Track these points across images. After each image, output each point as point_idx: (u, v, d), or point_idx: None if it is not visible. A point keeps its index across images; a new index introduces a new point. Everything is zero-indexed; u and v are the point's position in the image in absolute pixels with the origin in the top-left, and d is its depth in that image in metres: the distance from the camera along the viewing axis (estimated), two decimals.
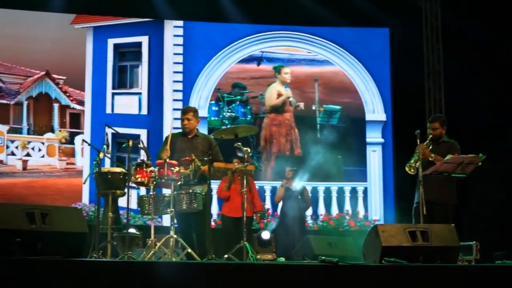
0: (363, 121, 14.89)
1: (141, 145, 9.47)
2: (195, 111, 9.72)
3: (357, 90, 14.98)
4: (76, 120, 14.57)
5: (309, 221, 14.15)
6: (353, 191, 14.70)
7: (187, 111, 9.66)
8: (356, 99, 14.98)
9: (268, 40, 15.04)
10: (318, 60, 15.14)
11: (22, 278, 5.64)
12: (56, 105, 14.56)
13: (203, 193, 9.03)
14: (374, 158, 14.80)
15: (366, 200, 14.69)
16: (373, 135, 14.86)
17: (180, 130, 9.75)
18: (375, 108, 14.94)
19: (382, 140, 14.80)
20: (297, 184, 12.69)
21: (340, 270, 6.37)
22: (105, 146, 9.23)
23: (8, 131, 14.20)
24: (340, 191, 14.68)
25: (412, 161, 9.31)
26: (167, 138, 9.51)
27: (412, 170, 9.30)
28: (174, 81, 14.58)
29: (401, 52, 14.43)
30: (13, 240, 6.08)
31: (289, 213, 12.49)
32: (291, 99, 14.91)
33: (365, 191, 14.69)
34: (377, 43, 15.05)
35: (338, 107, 14.95)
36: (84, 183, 13.20)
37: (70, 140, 14.46)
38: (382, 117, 14.87)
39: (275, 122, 14.84)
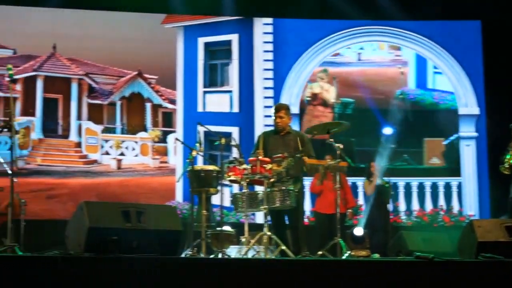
0: None
1: (233, 143, 9.51)
2: (287, 108, 9.70)
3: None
4: (168, 119, 14.72)
5: (403, 216, 13.99)
6: (447, 186, 14.46)
7: (279, 108, 9.64)
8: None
9: (357, 35, 14.90)
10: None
11: (119, 276, 5.71)
12: (148, 105, 14.75)
13: (296, 190, 9.00)
14: (468, 153, 14.52)
15: (461, 195, 14.44)
16: (467, 129, 14.57)
17: (272, 128, 9.75)
18: (467, 102, 14.65)
19: (475, 134, 14.51)
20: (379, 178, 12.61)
21: (435, 266, 6.26)
22: (197, 144, 9.30)
23: (102, 131, 14.44)
24: (434, 187, 14.46)
25: (506, 159, 9.09)
26: (259, 138, 9.53)
27: (507, 171, 9.08)
28: (265, 79, 14.58)
29: (494, 45, 14.10)
30: (109, 238, 6.15)
31: (376, 208, 12.40)
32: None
33: (459, 186, 14.43)
34: (469, 36, 14.74)
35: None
36: (177, 181, 13.39)
37: (163, 139, 14.61)
38: (475, 110, 14.57)
39: None
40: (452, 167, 14.52)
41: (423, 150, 14.61)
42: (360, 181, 13.92)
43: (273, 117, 9.59)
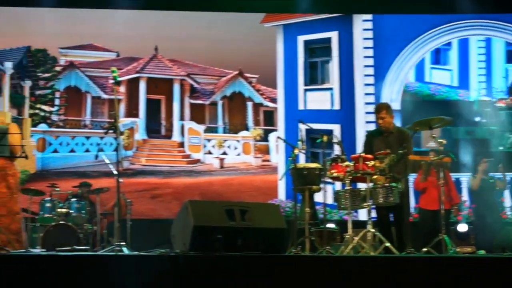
0: None
1: (335, 140, 9.46)
2: (387, 107, 9.58)
3: None
4: (269, 118, 14.75)
5: (508, 212, 13.67)
6: None
7: (380, 109, 9.54)
8: None
9: (460, 29, 14.61)
10: None
11: (224, 274, 5.74)
12: (249, 104, 14.82)
13: (400, 187, 8.89)
14: None
15: None
16: None
17: (376, 127, 9.67)
18: None
19: None
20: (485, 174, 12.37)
21: None
22: (299, 142, 9.29)
23: (205, 131, 14.60)
24: None
25: None
26: (365, 139, 9.53)
27: None
28: (365, 75, 14.45)
29: None
30: (214, 237, 6.19)
31: (486, 204, 12.16)
32: None
33: None
34: None
35: None
36: (280, 179, 13.39)
37: (265, 138, 14.66)
38: None
39: None
40: None
41: None
42: (464, 177, 13.66)
43: (375, 118, 9.52)
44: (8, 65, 14.04)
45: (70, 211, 10.87)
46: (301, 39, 14.69)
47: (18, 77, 14.17)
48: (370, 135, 9.67)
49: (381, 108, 9.52)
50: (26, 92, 14.13)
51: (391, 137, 9.35)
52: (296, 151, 9.19)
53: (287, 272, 5.86)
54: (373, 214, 8.97)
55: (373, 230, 8.64)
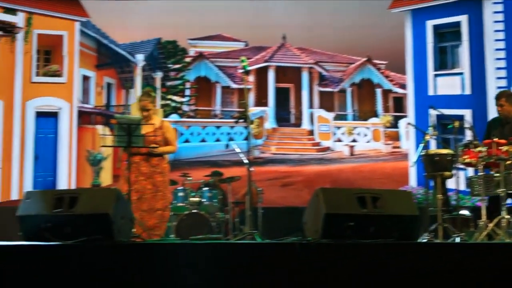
0: None
1: (467, 125, 9.27)
2: (507, 95, 9.33)
3: None
4: (399, 104, 14.61)
5: None
6: None
7: (499, 96, 9.32)
8: None
9: None
10: None
11: (356, 261, 5.72)
12: (378, 90, 14.72)
13: None
14: None
15: None
16: None
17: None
18: None
19: None
20: None
21: None
22: (430, 128, 9.16)
23: (334, 118, 14.58)
24: None
25: None
26: (487, 125, 9.30)
27: None
28: (496, 59, 14.08)
29: None
30: (346, 224, 6.18)
31: None
32: None
33: None
34: None
35: None
36: (411, 166, 13.22)
37: (394, 124, 14.53)
38: None
39: None
40: None
41: None
42: None
43: (495, 104, 9.30)
44: (140, 57, 14.41)
45: (202, 200, 11.04)
46: (430, 23, 14.46)
47: (149, 69, 14.52)
48: (489, 122, 9.46)
49: (501, 96, 9.30)
50: (157, 83, 14.47)
51: (508, 127, 9.11)
52: (427, 137, 9.07)
53: (420, 259, 5.80)
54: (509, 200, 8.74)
55: (508, 217, 8.42)
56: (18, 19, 13.84)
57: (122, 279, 5.16)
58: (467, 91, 14.23)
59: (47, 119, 13.92)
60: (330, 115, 14.55)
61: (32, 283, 5.08)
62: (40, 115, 13.89)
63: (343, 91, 14.69)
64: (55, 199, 5.95)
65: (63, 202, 5.91)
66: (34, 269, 5.13)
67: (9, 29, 13.70)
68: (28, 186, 13.39)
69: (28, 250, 5.32)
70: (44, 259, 5.19)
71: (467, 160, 8.75)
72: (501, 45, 14.08)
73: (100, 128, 13.99)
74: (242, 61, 8.70)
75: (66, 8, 14.13)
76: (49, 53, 14.15)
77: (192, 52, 14.69)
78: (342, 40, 14.58)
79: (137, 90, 14.25)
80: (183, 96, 14.59)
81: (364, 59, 14.61)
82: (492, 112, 13.07)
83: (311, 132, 14.54)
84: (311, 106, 14.61)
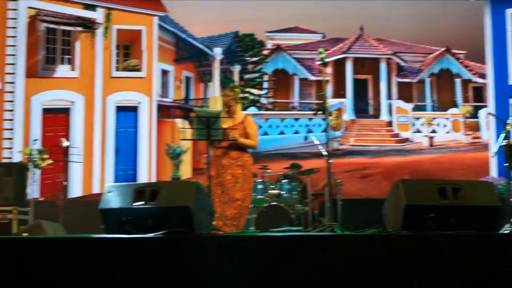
0: None
1: None
2: None
3: None
4: (479, 94, 14.40)
5: None
6: None
7: None
8: None
9: None
10: None
11: (437, 252, 5.67)
12: (458, 80, 14.52)
13: None
14: None
15: None
16: None
17: None
18: None
19: None
20: None
21: None
22: (511, 118, 9.00)
23: (413, 109, 14.45)
24: None
25: None
26: None
27: None
28: None
29: None
30: (427, 215, 6.13)
31: None
32: None
33: None
34: None
35: None
36: (492, 156, 13.01)
37: (474, 114, 14.32)
38: None
39: None
40: None
41: None
42: None
43: None
44: (218, 51, 14.50)
45: (282, 192, 11.06)
46: (509, 12, 14.18)
47: (227, 62, 14.60)
48: None
49: None
50: (236, 77, 14.54)
51: None
52: (508, 127, 8.93)
53: (502, 250, 5.71)
54: None
55: None
56: (98, 15, 14.07)
57: (202, 270, 5.21)
58: None
59: (127, 113, 14.12)
60: (408, 106, 14.42)
61: (114, 275, 5.17)
62: (120, 109, 14.10)
63: (421, 82, 14.54)
64: (136, 192, 6.03)
65: (144, 195, 5.99)
66: (116, 261, 5.22)
67: (89, 25, 13.95)
68: (109, 180, 13.62)
69: (111, 243, 5.41)
70: (125, 252, 5.28)
71: None
72: None
73: (179, 122, 14.14)
74: (320, 52, 8.68)
75: (144, 3, 14.32)
76: (128, 48, 14.36)
77: (269, 44, 14.72)
78: (420, 30, 14.42)
79: (216, 83, 14.35)
80: (261, 89, 14.64)
81: (443, 49, 14.43)
82: None
83: (389, 123, 14.44)
84: (389, 97, 14.51)
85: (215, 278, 5.20)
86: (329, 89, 14.43)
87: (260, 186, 11.10)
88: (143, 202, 5.96)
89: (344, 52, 14.58)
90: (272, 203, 10.70)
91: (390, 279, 5.43)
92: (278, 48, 14.67)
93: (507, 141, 9.04)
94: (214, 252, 5.32)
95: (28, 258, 5.14)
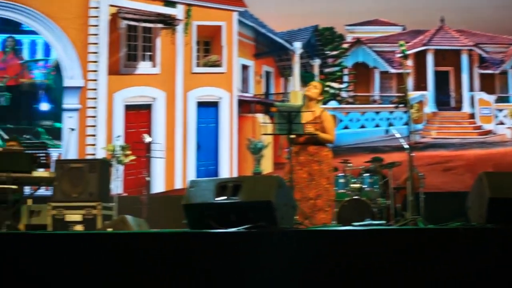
0: None
1: None
2: None
3: None
4: None
5: None
6: None
7: None
8: None
9: None
10: None
11: None
12: None
13: None
14: None
15: None
16: None
17: None
18: None
19: None
20: None
21: None
22: None
23: (496, 101, 14.21)
24: None
25: None
26: None
27: None
28: None
29: None
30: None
31: None
32: None
33: None
34: None
35: None
36: None
37: None
38: None
39: None
40: None
41: None
42: None
43: None
44: (297, 45, 14.50)
45: (363, 186, 11.01)
46: None
47: (307, 56, 14.59)
48: None
49: None
50: (316, 71, 14.52)
51: None
52: None
53: None
54: None
55: None
56: (178, 12, 14.22)
57: (285, 264, 5.23)
58: None
59: (207, 109, 14.24)
60: (491, 98, 14.18)
61: (196, 269, 5.22)
62: (201, 105, 14.22)
63: (504, 73, 14.28)
64: (218, 187, 6.07)
65: (227, 190, 6.03)
66: (199, 256, 5.27)
67: (169, 22, 14.11)
68: (191, 175, 13.76)
69: (193, 238, 5.47)
70: (208, 247, 5.32)
71: None
72: None
73: (260, 117, 14.19)
74: (401, 45, 8.60)
75: None
76: (208, 44, 14.47)
77: (349, 38, 14.66)
78: (502, 21, 14.16)
79: (296, 78, 14.35)
80: (341, 82, 14.59)
81: None
82: None
83: (472, 116, 14.23)
84: (471, 89, 14.30)
85: (298, 271, 5.21)
86: (410, 81, 14.29)
87: (341, 180, 11.06)
88: (225, 197, 6.00)
89: (424, 44, 14.42)
90: (353, 197, 10.66)
91: (474, 272, 5.36)
92: (358, 41, 14.60)
93: None
94: (297, 246, 5.33)
95: (113, 253, 5.23)
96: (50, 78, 14.60)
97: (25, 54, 14.75)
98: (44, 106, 14.78)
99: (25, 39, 14.81)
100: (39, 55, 14.72)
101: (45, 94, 14.67)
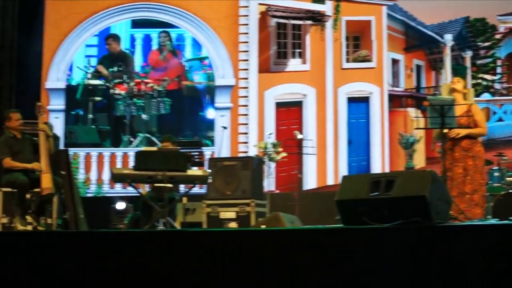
0: None
1: None
2: None
3: None
4: None
5: None
6: None
7: None
8: None
9: None
10: None
11: None
12: None
13: None
14: None
15: None
16: None
17: None
18: None
19: None
20: None
21: None
22: None
23: None
24: None
25: None
26: None
27: None
28: None
29: None
30: None
31: None
32: None
33: None
34: None
35: None
36: None
37: None
38: None
39: None
40: None
41: None
42: None
43: None
44: (448, 37, 14.22)
45: None
46: None
47: (458, 48, 14.30)
48: None
49: None
50: (467, 63, 14.21)
51: None
52: None
53: None
54: None
55: None
56: (327, 8, 14.22)
57: (440, 259, 5.15)
58: None
59: (358, 104, 14.19)
60: None
61: (350, 265, 5.21)
62: (351, 100, 14.19)
63: None
64: (371, 183, 6.06)
65: (380, 185, 6.01)
66: (352, 251, 5.26)
67: (318, 18, 14.14)
68: (343, 171, 13.74)
69: (347, 234, 5.47)
70: (362, 242, 5.30)
71: None
72: None
73: (412, 111, 14.01)
74: None
75: None
76: (357, 39, 14.41)
77: (502, 28, 14.25)
78: None
79: (447, 70, 14.09)
80: (495, 74, 14.22)
81: None
82: None
83: None
84: None
85: (452, 266, 5.12)
86: None
87: (496, 174, 10.81)
88: (378, 193, 5.98)
89: None
90: (509, 191, 10.39)
91: None
92: (511, 32, 14.18)
93: None
94: (452, 241, 5.24)
95: (266, 250, 5.28)
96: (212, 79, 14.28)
97: (186, 52, 14.65)
98: (211, 114, 14.20)
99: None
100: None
101: (211, 99, 14.19)
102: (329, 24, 14.14)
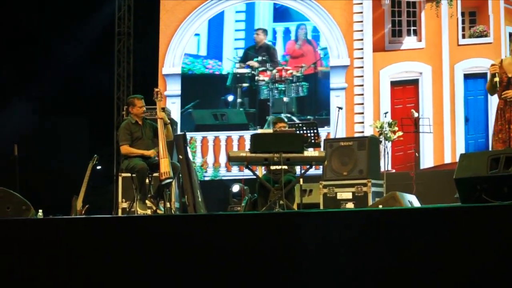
0: None
1: None
2: None
3: None
4: None
5: None
6: None
7: None
8: None
9: None
10: None
11: None
12: None
13: None
14: None
15: None
16: None
17: None
18: None
19: None
20: None
21: None
22: None
23: None
24: None
25: None
26: None
27: None
28: None
29: None
30: None
31: None
32: None
33: None
34: None
35: None
36: None
37: None
38: None
39: None
40: None
41: None
42: None
43: None
44: None
45: None
46: None
47: None
48: None
49: None
50: None
51: None
52: None
53: None
54: None
55: None
56: None
57: None
58: None
59: (475, 81, 13.90)
60: None
61: (472, 244, 5.12)
62: (468, 77, 13.90)
63: None
64: (490, 160, 5.94)
65: (499, 162, 5.89)
66: (472, 230, 5.16)
67: None
68: (461, 149, 13.50)
69: (466, 212, 5.37)
70: (483, 220, 5.20)
71: None
72: None
73: None
74: None
75: None
76: (473, 14, 14.08)
77: None
78: None
79: None
80: None
81: None
82: None
83: None
84: None
85: None
86: None
87: None
88: (497, 170, 5.86)
89: None
90: None
91: None
92: None
93: None
94: None
95: (384, 229, 5.24)
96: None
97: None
98: None
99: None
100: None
101: None
102: (444, 0, 13.88)
